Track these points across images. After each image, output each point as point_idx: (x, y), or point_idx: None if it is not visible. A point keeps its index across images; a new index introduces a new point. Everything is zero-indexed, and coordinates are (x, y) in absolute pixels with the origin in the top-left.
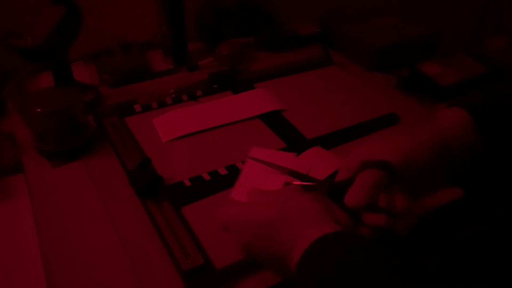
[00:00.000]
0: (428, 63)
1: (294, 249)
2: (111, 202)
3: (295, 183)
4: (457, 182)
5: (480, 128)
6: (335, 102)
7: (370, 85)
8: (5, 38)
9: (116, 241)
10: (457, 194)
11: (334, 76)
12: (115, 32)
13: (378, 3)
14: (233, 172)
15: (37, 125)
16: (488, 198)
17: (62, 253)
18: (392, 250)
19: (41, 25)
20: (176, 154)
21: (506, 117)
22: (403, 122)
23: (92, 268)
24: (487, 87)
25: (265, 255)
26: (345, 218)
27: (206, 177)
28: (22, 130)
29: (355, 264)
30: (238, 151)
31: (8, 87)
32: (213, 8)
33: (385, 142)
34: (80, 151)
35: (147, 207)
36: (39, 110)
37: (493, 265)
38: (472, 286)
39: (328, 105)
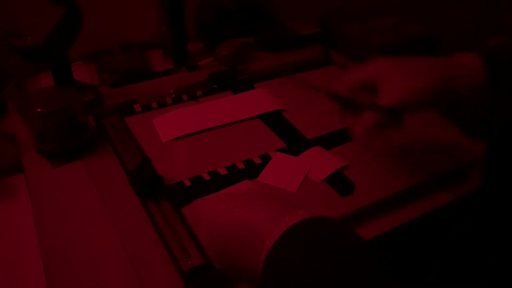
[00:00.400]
0: None
1: (260, 252)
2: (111, 202)
3: None
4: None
5: (490, 74)
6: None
7: None
8: (5, 38)
9: (116, 241)
10: None
11: (334, 76)
12: (115, 32)
13: (378, 3)
14: (233, 172)
15: (37, 125)
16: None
17: (62, 253)
18: (395, 249)
19: (41, 25)
20: (176, 154)
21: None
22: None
23: (92, 268)
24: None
25: (235, 269)
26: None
27: (206, 177)
28: (22, 130)
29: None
30: (238, 151)
31: (8, 87)
32: (213, 8)
33: (405, 67)
34: (80, 151)
35: (147, 207)
36: (39, 110)
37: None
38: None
39: (328, 105)
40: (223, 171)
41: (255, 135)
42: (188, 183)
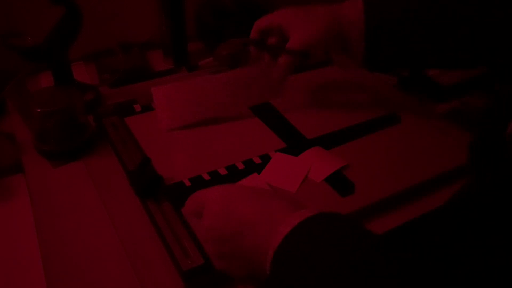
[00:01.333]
0: None
1: (266, 252)
2: (111, 202)
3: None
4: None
5: (366, 11)
6: (335, 102)
7: (370, 85)
8: (5, 38)
9: (116, 241)
10: None
11: (334, 76)
12: (115, 32)
13: None
14: (233, 172)
15: (37, 125)
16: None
17: (62, 253)
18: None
19: (41, 25)
20: (176, 154)
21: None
22: (403, 122)
23: (92, 268)
24: (486, 87)
25: (238, 268)
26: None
27: (206, 177)
28: (22, 130)
29: (328, 253)
30: (238, 151)
31: (8, 87)
32: (213, 8)
33: (304, 12)
34: (80, 151)
35: (147, 207)
36: (39, 110)
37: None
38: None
39: (328, 105)
40: (223, 171)
41: (255, 135)
42: (188, 183)
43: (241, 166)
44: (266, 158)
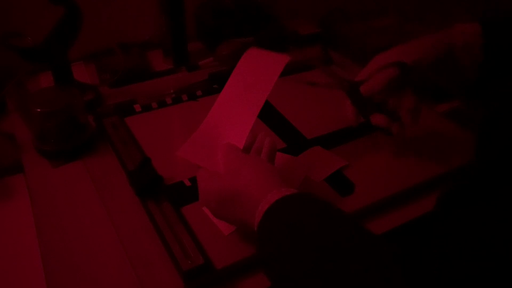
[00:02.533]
0: None
1: (256, 213)
2: (111, 202)
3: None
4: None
5: (486, 37)
6: (335, 102)
7: None
8: (5, 38)
9: (116, 241)
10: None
11: (334, 76)
12: (115, 32)
13: (378, 3)
14: None
15: (37, 125)
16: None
17: (62, 253)
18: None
19: (41, 25)
20: (176, 154)
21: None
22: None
23: (92, 268)
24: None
25: (232, 220)
26: (352, 114)
27: None
28: (22, 130)
29: (313, 220)
30: None
31: (8, 87)
32: (213, 8)
33: (401, 47)
34: (80, 151)
35: (147, 207)
36: (39, 110)
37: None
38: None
39: (328, 105)
40: None
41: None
42: (188, 183)
43: None
44: None
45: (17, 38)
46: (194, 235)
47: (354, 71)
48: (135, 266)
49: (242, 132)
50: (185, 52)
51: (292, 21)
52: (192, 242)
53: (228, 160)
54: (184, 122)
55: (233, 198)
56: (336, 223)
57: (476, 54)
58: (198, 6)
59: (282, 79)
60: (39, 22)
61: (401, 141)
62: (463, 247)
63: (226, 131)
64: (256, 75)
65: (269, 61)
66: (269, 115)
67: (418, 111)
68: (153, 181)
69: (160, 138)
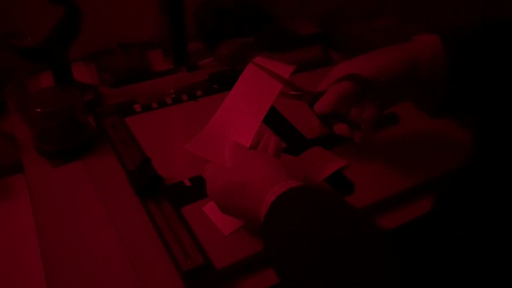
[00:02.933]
0: None
1: (262, 204)
2: (111, 202)
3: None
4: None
5: (447, 50)
6: None
7: None
8: (5, 38)
9: (116, 241)
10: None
11: None
12: (115, 32)
13: (378, 3)
14: None
15: (37, 125)
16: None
17: (62, 253)
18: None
19: (41, 25)
20: (176, 154)
21: (472, 45)
22: (403, 122)
23: (92, 268)
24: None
25: (238, 214)
26: (318, 125)
27: None
28: (22, 130)
29: (319, 214)
30: None
31: (8, 87)
32: (213, 8)
33: (362, 58)
34: (80, 151)
35: (147, 207)
36: (39, 110)
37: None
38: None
39: None
40: None
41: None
42: (188, 183)
43: None
44: None
45: (17, 38)
46: (194, 235)
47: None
48: (135, 266)
49: (249, 133)
50: (185, 52)
51: (292, 21)
52: (192, 242)
53: (235, 155)
54: (184, 122)
55: (240, 190)
56: (343, 218)
57: (441, 68)
58: (198, 6)
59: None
60: (39, 22)
61: (401, 141)
62: (463, 246)
63: (233, 131)
64: (262, 82)
65: (275, 70)
66: (269, 115)
67: (374, 122)
68: (153, 181)
69: (160, 138)
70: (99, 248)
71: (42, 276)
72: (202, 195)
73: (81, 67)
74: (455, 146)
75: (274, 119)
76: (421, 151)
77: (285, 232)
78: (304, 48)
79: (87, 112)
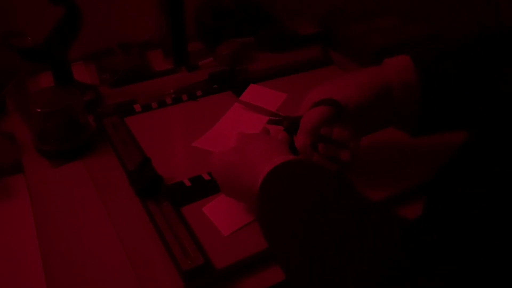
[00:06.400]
0: None
1: (259, 176)
2: (111, 202)
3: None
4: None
5: (419, 71)
6: None
7: None
8: (5, 38)
9: (116, 241)
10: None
11: (334, 76)
12: (115, 32)
13: (378, 3)
14: None
15: (37, 125)
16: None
17: (62, 253)
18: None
19: (41, 25)
20: (176, 154)
21: (444, 63)
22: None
23: (92, 268)
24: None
25: (238, 194)
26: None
27: (206, 177)
28: (22, 130)
29: (315, 183)
30: None
31: (8, 87)
32: (213, 8)
33: (335, 82)
34: (80, 151)
35: (147, 207)
36: (39, 110)
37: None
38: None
39: None
40: None
41: None
42: (188, 183)
43: None
44: None
45: (17, 38)
46: (194, 235)
47: (354, 71)
48: (135, 266)
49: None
50: (185, 52)
51: (292, 21)
52: (192, 242)
53: (238, 139)
54: (184, 122)
55: (240, 166)
56: (343, 191)
57: (414, 90)
58: (198, 6)
59: (282, 79)
60: (39, 22)
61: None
62: (461, 223)
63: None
64: (258, 102)
65: (268, 96)
66: None
67: (354, 143)
68: (153, 181)
69: (160, 138)
70: (99, 248)
71: (42, 276)
72: (202, 195)
73: (81, 67)
74: (455, 146)
75: None
76: (419, 152)
77: (280, 200)
78: (304, 48)
79: (87, 112)
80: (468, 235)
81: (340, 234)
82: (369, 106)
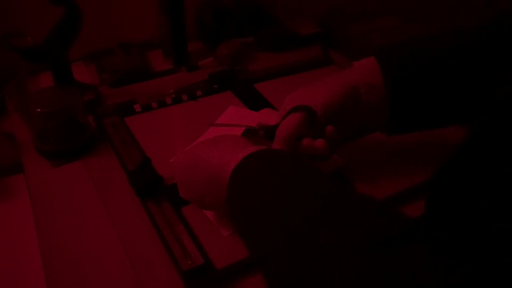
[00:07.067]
0: None
1: (230, 164)
2: (111, 202)
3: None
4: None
5: (384, 70)
6: None
7: None
8: (5, 38)
9: (116, 241)
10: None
11: None
12: (115, 32)
13: (378, 3)
14: None
15: (37, 125)
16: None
17: (62, 253)
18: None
19: (41, 25)
20: (176, 154)
21: (410, 61)
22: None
23: (92, 268)
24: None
25: (198, 191)
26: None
27: None
28: (22, 130)
29: (283, 171)
30: None
31: (8, 87)
32: (213, 8)
33: (307, 88)
34: (80, 151)
35: (147, 207)
36: (39, 110)
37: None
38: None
39: None
40: None
41: None
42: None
43: None
44: None
45: (17, 38)
46: (194, 235)
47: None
48: (135, 266)
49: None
50: (185, 52)
51: (292, 21)
52: (192, 242)
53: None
54: (184, 122)
55: (204, 160)
56: (318, 179)
57: (380, 90)
58: (198, 6)
59: (282, 79)
60: (39, 22)
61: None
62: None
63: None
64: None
65: (249, 116)
66: None
67: (330, 146)
68: (153, 181)
69: (160, 138)
70: (99, 248)
71: (42, 276)
72: None
73: (81, 67)
74: (454, 145)
75: None
76: (420, 151)
77: (252, 190)
78: (304, 48)
79: (87, 112)
80: (471, 234)
81: (320, 223)
82: (340, 109)
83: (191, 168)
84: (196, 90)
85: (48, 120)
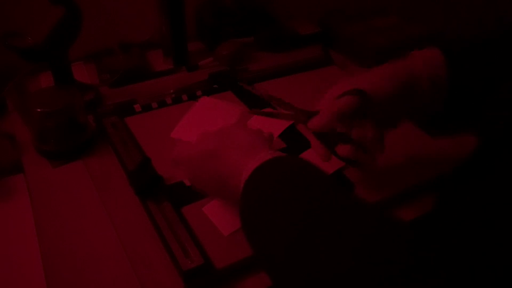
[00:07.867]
0: None
1: (243, 170)
2: (111, 202)
3: (263, 110)
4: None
5: (450, 65)
6: None
7: None
8: (5, 38)
9: (116, 241)
10: None
11: (334, 76)
12: (115, 32)
13: (378, 3)
14: None
15: (37, 125)
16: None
17: (62, 253)
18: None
19: (41, 25)
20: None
21: (476, 58)
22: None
23: (92, 268)
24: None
25: (211, 186)
26: (319, 147)
27: None
28: (22, 130)
29: (300, 181)
30: None
31: (8, 87)
32: (213, 8)
33: (357, 77)
34: (80, 151)
35: (147, 207)
36: (39, 110)
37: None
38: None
39: None
40: None
41: None
42: (188, 183)
43: None
44: None
45: (17, 38)
46: (194, 235)
47: (354, 71)
48: (135, 266)
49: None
50: (185, 52)
51: (292, 21)
52: (192, 242)
53: (216, 132)
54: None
55: (218, 155)
56: (336, 191)
57: (441, 84)
58: (198, 6)
59: (282, 79)
60: (39, 22)
61: (401, 140)
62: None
63: (217, 113)
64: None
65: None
66: None
67: (381, 141)
68: (153, 181)
69: (160, 138)
70: (99, 248)
71: (42, 276)
72: (202, 195)
73: (81, 67)
74: (456, 146)
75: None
76: (421, 150)
77: (270, 199)
78: (304, 48)
79: (87, 112)
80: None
81: (337, 237)
82: (394, 97)
83: (203, 161)
84: (196, 90)
85: (48, 120)
